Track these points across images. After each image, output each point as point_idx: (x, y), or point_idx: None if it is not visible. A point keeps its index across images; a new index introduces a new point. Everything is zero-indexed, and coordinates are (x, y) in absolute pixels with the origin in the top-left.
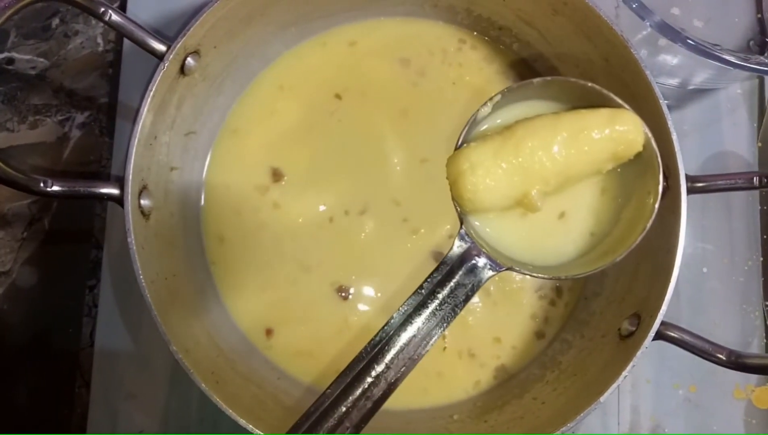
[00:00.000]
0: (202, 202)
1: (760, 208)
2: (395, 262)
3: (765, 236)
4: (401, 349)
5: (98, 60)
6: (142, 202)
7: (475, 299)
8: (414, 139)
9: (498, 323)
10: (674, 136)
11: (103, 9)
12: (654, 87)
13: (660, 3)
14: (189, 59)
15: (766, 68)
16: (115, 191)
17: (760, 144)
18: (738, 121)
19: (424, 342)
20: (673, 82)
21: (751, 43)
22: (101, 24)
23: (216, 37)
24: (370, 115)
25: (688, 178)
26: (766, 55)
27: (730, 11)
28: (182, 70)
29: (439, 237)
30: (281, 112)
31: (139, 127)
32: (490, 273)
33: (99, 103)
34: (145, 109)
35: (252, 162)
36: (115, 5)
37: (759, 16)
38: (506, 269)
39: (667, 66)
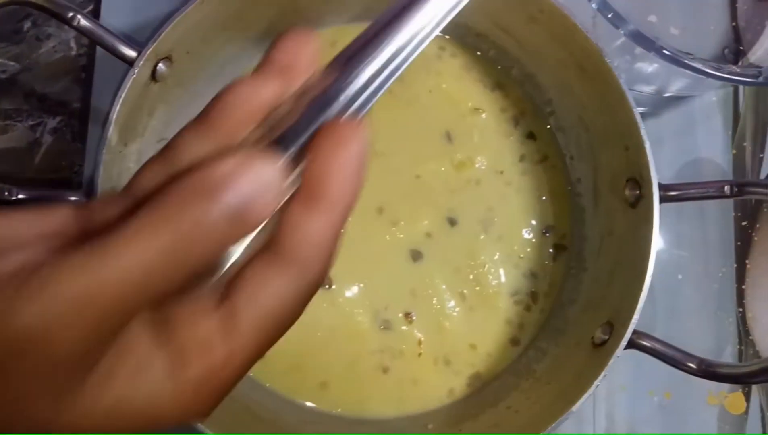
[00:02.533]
0: None
1: (733, 214)
2: (372, 252)
3: (739, 243)
4: None
5: (71, 64)
6: None
7: (451, 303)
8: (375, 136)
9: (474, 329)
10: (647, 145)
11: (71, 14)
12: (627, 96)
13: (637, 10)
14: (161, 65)
15: (736, 77)
16: (83, 199)
17: (734, 151)
18: (713, 129)
19: None
20: (650, 89)
21: (726, 50)
22: None
23: (189, 43)
24: None
25: (661, 186)
26: (740, 63)
27: (705, 19)
28: (153, 76)
29: (413, 228)
30: None
31: (109, 134)
32: None
33: (71, 108)
34: (114, 117)
35: None
36: (87, 10)
37: (734, 24)
38: None
39: (643, 74)
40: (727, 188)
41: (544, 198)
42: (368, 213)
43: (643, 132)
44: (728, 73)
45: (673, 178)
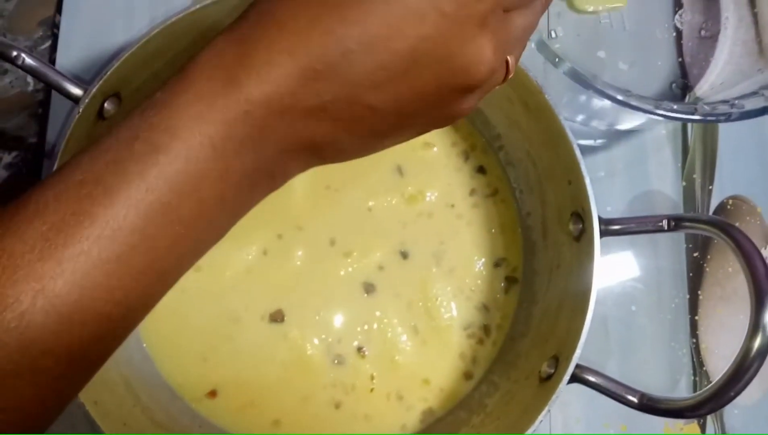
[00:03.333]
0: None
1: (685, 246)
2: (324, 285)
3: (691, 274)
4: None
5: (27, 100)
6: None
7: (404, 337)
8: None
9: (427, 363)
10: (587, 181)
11: (15, 53)
12: (567, 131)
13: (586, 46)
14: (107, 103)
15: (673, 114)
16: None
17: (684, 183)
18: (664, 161)
19: None
20: (604, 125)
21: (674, 85)
22: None
23: (138, 80)
24: None
25: (603, 220)
26: (687, 97)
27: (652, 55)
28: (101, 114)
29: (365, 261)
30: None
31: None
32: None
33: (27, 143)
34: (60, 154)
35: None
36: (44, 47)
37: (680, 59)
38: None
39: (597, 110)
40: (664, 223)
41: (494, 231)
42: (320, 245)
43: (582, 167)
44: (665, 110)
45: (624, 210)
